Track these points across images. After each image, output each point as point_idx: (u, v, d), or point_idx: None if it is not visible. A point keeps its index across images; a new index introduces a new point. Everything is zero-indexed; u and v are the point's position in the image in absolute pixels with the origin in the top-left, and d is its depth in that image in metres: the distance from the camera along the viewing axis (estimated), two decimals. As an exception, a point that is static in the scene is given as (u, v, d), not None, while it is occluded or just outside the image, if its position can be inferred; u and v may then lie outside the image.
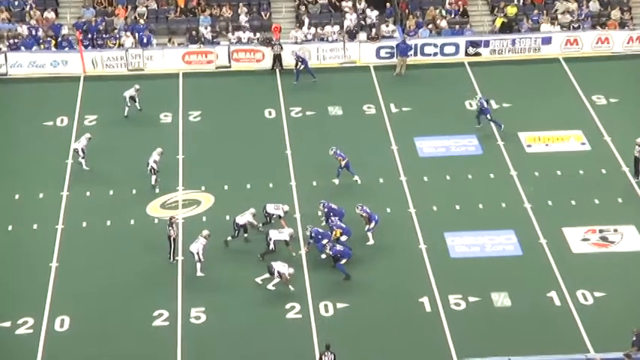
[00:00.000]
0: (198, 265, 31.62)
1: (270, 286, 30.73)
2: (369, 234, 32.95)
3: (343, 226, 32.43)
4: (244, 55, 44.44)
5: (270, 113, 41.09)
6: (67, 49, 44.38)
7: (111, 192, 35.76)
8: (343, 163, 35.59)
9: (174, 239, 32.17)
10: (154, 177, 35.37)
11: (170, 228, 32.08)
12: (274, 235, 32.02)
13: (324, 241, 31.87)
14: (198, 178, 36.42)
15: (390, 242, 32.81)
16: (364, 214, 32.99)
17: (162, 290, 31.09)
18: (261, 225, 33.31)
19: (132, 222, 34.21)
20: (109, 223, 34.17)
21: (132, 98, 40.33)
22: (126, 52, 43.95)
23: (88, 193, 35.70)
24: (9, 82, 43.22)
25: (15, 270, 32.01)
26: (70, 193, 35.72)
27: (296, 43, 44.68)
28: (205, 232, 31.85)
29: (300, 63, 43.19)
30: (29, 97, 42.26)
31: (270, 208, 33.48)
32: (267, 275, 30.86)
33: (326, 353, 27.60)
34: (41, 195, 35.53)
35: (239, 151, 38.07)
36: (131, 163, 36.95)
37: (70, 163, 37.26)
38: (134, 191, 35.77)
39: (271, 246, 31.97)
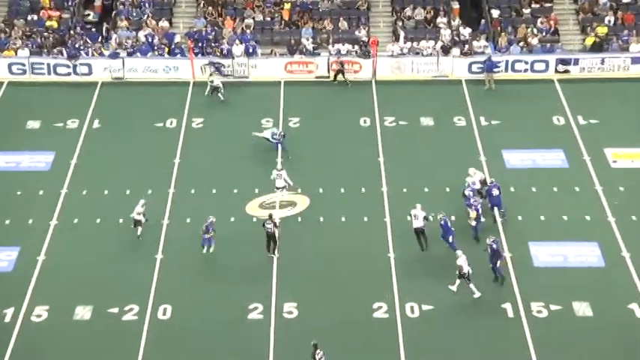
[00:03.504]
0: (284, 191, 34.32)
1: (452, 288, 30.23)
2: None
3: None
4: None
5: (365, 122, 40.83)
6: (178, 55, 44.93)
7: (214, 191, 35.96)
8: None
9: (273, 235, 32.09)
10: (139, 228, 32.92)
11: (269, 226, 32.04)
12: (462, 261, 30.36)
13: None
14: (296, 181, 36.31)
15: (476, 249, 32.14)
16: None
17: (257, 285, 31.12)
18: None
19: (232, 219, 34.32)
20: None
21: (215, 88, 41.61)
22: (232, 60, 44.25)
23: (192, 191, 35.99)
24: (125, 86, 43.94)
25: (123, 260, 32.43)
26: (175, 190, 36.05)
27: (392, 56, 44.38)
28: (279, 165, 34.93)
29: (216, 71, 43.28)
30: (143, 99, 42.88)
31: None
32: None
33: (317, 352, 27.18)
34: (150, 191, 35.94)
35: (334, 156, 37.89)
36: (235, 165, 37.15)
37: (178, 163, 37.65)
38: (235, 190, 35.89)
39: (465, 269, 30.13)
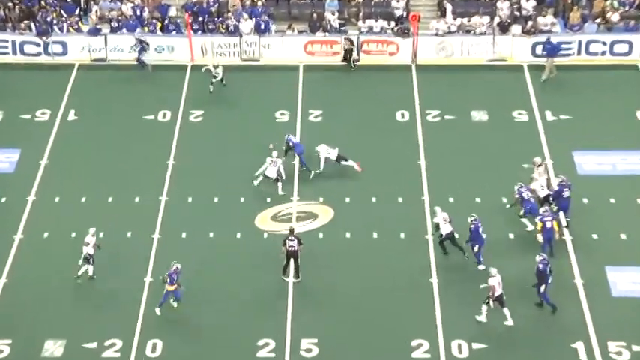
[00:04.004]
0: (279, 184, 35.54)
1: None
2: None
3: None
4: (375, 47, 44.31)
5: (402, 116, 40.84)
6: (174, 33, 45.10)
7: (216, 199, 36.08)
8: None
9: (295, 254, 31.96)
10: (90, 267, 32.20)
11: (292, 243, 31.87)
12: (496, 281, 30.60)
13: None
14: (316, 188, 36.42)
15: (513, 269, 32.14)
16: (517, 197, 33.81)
17: (269, 316, 31.14)
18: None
19: (238, 235, 34.41)
20: (211, 235, 34.48)
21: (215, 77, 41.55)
22: (240, 39, 44.37)
23: (189, 200, 36.11)
24: (108, 69, 44.11)
25: (105, 282, 32.47)
26: (169, 198, 36.18)
27: (437, 35, 44.37)
28: (275, 153, 35.59)
29: (140, 51, 43.51)
30: (130, 86, 43.05)
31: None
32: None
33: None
34: (137, 199, 36.11)
35: (364, 158, 37.80)
36: (241, 168, 37.22)
37: (172, 164, 37.78)
38: (242, 199, 36.00)
39: (499, 292, 30.41)
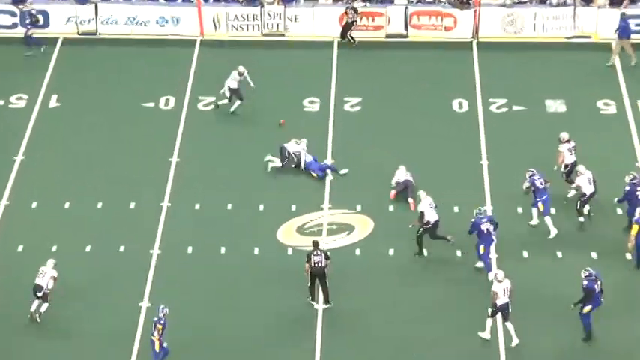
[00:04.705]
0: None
1: None
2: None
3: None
4: (428, 20, 44.43)
5: (460, 105, 41.01)
6: (179, 1, 45.35)
7: (229, 206, 36.29)
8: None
9: (322, 272, 31.94)
10: (45, 305, 31.82)
11: (318, 259, 31.86)
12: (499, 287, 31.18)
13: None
14: (353, 194, 36.61)
15: (632, 301, 32.21)
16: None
17: (293, 351, 31.16)
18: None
19: (256, 251, 34.58)
20: (223, 250, 34.67)
21: (234, 91, 40.13)
22: (261, 10, 44.55)
23: (197, 206, 36.34)
24: (99, 45, 44.52)
25: (90, 307, 32.58)
26: (171, 204, 36.40)
27: (503, 5, 44.46)
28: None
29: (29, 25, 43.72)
30: (125, 66, 43.40)
31: None
32: None
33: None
34: (132, 205, 36.37)
35: (413, 157, 37.90)
36: (260, 168, 37.50)
37: (176, 162, 37.99)
38: (261, 207, 36.20)
39: (502, 301, 30.90)
